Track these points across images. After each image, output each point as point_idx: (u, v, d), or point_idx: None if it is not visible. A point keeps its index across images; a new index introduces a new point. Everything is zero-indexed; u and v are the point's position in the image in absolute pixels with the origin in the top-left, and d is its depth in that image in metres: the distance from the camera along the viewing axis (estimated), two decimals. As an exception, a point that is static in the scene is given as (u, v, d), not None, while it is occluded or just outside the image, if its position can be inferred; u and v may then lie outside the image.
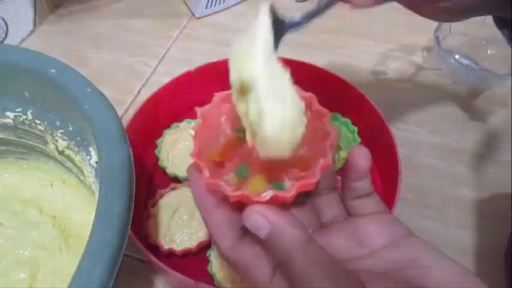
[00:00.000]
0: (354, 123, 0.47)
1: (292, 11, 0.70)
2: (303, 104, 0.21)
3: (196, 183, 0.23)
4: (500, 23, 0.36)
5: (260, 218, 0.20)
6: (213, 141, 0.23)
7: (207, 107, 0.23)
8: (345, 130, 0.48)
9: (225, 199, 0.22)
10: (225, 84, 0.60)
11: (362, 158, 0.24)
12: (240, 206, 0.22)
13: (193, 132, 0.23)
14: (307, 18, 0.29)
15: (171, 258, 0.41)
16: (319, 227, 0.24)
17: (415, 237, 0.23)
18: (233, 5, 0.68)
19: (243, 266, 0.22)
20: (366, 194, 0.24)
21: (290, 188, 0.21)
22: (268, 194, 0.20)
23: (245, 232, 0.22)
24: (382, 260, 0.21)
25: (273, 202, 0.21)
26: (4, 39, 0.61)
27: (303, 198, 0.24)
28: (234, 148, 0.23)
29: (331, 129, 0.22)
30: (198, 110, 0.23)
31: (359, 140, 0.46)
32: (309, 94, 0.24)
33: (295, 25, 0.29)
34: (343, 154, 0.47)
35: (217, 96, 0.24)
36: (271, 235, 0.20)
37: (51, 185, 0.44)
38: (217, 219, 0.22)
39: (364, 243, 0.22)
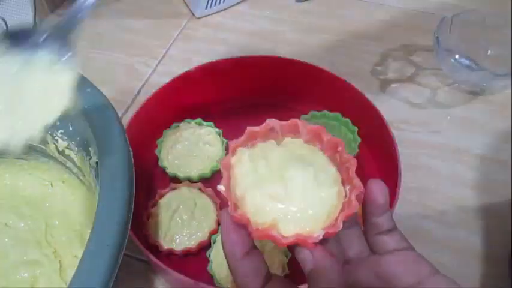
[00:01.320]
0: (354, 123, 0.47)
1: (291, 11, 0.70)
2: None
3: (226, 229, 0.23)
4: None
5: (308, 255, 0.22)
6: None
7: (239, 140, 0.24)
8: (345, 130, 0.48)
9: (253, 247, 0.23)
10: (225, 84, 0.60)
11: (380, 194, 0.23)
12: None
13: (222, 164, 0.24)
14: None
15: (171, 258, 0.41)
16: (344, 263, 0.25)
17: (440, 276, 0.22)
18: (233, 5, 0.68)
19: None
20: (387, 230, 0.24)
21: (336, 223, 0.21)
22: (320, 234, 0.21)
23: (268, 279, 0.23)
24: None
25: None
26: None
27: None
28: None
29: (349, 157, 0.23)
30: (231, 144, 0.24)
31: (359, 139, 0.46)
32: (316, 127, 0.24)
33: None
34: None
35: (249, 130, 0.24)
36: (312, 273, 0.22)
37: (51, 185, 0.44)
38: (243, 269, 0.23)
39: (390, 282, 0.22)
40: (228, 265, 0.23)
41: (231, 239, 0.23)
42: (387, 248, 0.24)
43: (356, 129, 0.47)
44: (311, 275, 0.22)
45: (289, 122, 0.24)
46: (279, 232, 0.21)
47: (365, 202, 0.24)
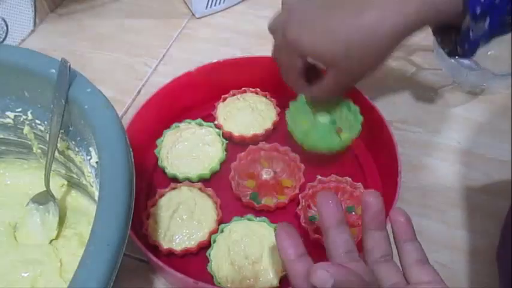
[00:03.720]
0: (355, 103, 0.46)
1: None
2: None
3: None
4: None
5: (324, 273, 0.22)
6: None
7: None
8: (346, 111, 0.45)
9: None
10: (225, 85, 0.60)
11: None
12: None
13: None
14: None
15: (171, 258, 0.41)
16: None
17: None
18: (233, 5, 0.68)
19: None
20: (419, 260, 0.27)
21: None
22: None
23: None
24: None
25: None
26: (4, 39, 0.61)
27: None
28: None
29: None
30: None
31: (361, 118, 0.44)
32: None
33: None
34: (344, 136, 0.44)
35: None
36: (337, 284, 0.22)
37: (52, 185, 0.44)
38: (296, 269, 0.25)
39: None
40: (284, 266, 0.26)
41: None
42: (422, 279, 0.26)
43: (357, 108, 0.44)
44: None
45: None
46: None
47: (393, 229, 0.27)
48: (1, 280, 0.38)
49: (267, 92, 0.52)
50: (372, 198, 0.27)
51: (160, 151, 0.47)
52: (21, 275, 0.38)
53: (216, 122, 0.49)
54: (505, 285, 0.35)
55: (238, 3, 0.68)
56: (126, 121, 0.43)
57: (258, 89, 0.52)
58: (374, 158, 0.48)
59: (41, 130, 0.40)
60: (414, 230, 0.27)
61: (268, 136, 0.49)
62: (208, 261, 0.40)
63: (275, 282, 0.37)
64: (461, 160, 0.48)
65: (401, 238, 0.27)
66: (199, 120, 0.49)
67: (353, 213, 0.42)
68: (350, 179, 0.44)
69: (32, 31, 0.65)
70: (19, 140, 0.42)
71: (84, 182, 0.40)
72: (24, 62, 0.37)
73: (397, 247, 0.28)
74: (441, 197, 0.45)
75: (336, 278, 0.21)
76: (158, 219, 0.42)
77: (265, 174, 0.45)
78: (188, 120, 0.49)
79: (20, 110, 0.40)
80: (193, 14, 0.67)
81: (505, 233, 0.38)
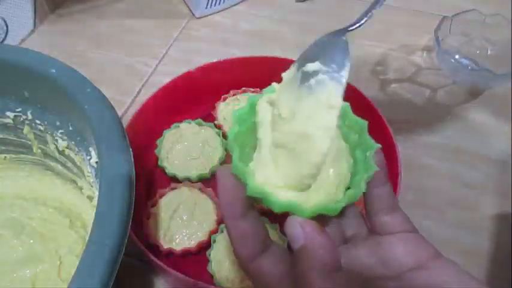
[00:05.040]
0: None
1: (291, 11, 0.70)
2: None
3: (223, 188, 0.21)
4: None
5: (298, 230, 0.20)
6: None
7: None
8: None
9: (251, 208, 0.22)
10: (225, 85, 0.60)
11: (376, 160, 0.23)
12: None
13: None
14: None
15: (171, 258, 0.41)
16: (342, 243, 0.24)
17: (444, 259, 0.22)
18: (233, 5, 0.68)
19: (262, 282, 0.21)
20: (389, 208, 0.23)
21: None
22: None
23: (268, 247, 0.22)
24: (409, 283, 0.21)
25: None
26: (4, 39, 0.61)
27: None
28: None
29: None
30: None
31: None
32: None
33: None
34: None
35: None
36: (302, 250, 0.20)
37: (52, 184, 0.44)
38: (241, 229, 0.21)
39: (390, 263, 0.22)
40: (226, 226, 0.22)
41: (228, 197, 0.21)
42: (389, 230, 0.23)
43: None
44: (300, 252, 0.20)
45: None
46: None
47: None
48: (4, 278, 0.38)
49: (267, 92, 0.52)
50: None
51: (160, 151, 0.47)
52: (23, 272, 0.38)
53: (216, 122, 0.50)
54: None
55: (238, 3, 0.68)
56: (126, 121, 0.43)
57: (258, 89, 0.52)
58: (374, 158, 0.48)
59: (40, 130, 0.40)
60: (387, 173, 0.23)
61: (268, 136, 0.49)
62: (208, 261, 0.40)
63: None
64: (461, 160, 0.48)
65: (372, 182, 0.23)
66: (199, 120, 0.49)
67: (353, 213, 0.42)
68: (350, 179, 0.44)
69: (32, 31, 0.65)
70: (19, 140, 0.42)
71: (84, 182, 0.41)
72: (24, 62, 0.37)
73: (365, 194, 0.23)
74: (441, 197, 0.45)
75: (306, 241, 0.20)
76: (158, 219, 0.42)
77: (265, 174, 0.45)
78: (188, 120, 0.49)
79: (20, 110, 0.40)
80: (193, 14, 0.67)
81: None
